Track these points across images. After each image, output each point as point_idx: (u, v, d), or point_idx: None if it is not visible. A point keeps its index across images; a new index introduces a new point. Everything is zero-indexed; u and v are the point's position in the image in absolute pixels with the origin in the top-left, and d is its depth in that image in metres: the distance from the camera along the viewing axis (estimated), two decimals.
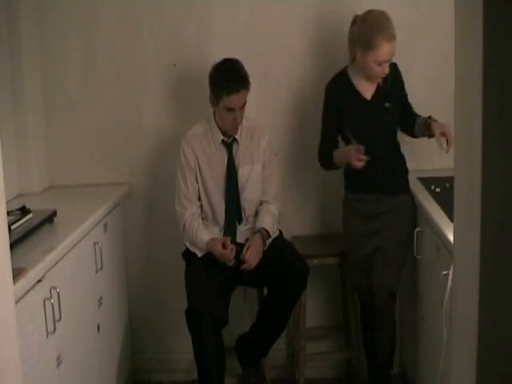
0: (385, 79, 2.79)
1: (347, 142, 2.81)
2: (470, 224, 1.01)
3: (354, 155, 2.65)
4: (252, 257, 2.77)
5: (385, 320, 2.85)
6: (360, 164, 2.65)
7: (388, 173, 2.84)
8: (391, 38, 2.67)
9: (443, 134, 2.65)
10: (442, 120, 2.96)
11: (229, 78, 2.77)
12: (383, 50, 2.66)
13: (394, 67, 2.82)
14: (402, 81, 2.90)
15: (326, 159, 2.89)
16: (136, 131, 3.29)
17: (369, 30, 2.67)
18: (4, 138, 2.83)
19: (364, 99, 2.83)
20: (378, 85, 2.82)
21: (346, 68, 2.88)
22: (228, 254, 2.77)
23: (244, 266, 2.77)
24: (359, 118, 2.83)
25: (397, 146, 2.92)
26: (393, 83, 2.83)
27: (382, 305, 2.81)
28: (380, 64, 2.70)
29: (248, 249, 2.78)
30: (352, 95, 2.83)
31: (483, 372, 0.98)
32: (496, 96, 0.93)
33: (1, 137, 1.98)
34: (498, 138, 0.94)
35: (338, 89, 2.86)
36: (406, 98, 2.94)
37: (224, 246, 2.78)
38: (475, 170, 0.97)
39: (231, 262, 2.79)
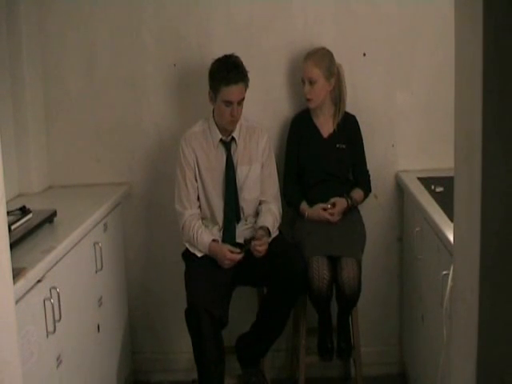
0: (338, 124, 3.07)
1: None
2: (470, 224, 1.01)
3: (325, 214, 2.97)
4: (261, 247, 2.79)
5: None
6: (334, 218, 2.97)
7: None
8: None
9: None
10: (442, 119, 2.96)
11: (227, 69, 2.80)
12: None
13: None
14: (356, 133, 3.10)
15: (292, 199, 3.12)
16: (136, 131, 3.29)
17: None
18: (4, 138, 2.83)
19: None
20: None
21: None
22: (235, 257, 2.80)
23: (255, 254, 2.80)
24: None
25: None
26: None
27: None
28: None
29: (256, 240, 2.81)
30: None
31: (483, 372, 0.98)
32: (496, 96, 0.94)
33: (1, 137, 1.97)
34: (498, 138, 0.94)
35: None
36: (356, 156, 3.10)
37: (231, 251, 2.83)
38: (475, 170, 0.97)
39: (229, 265, 2.82)
